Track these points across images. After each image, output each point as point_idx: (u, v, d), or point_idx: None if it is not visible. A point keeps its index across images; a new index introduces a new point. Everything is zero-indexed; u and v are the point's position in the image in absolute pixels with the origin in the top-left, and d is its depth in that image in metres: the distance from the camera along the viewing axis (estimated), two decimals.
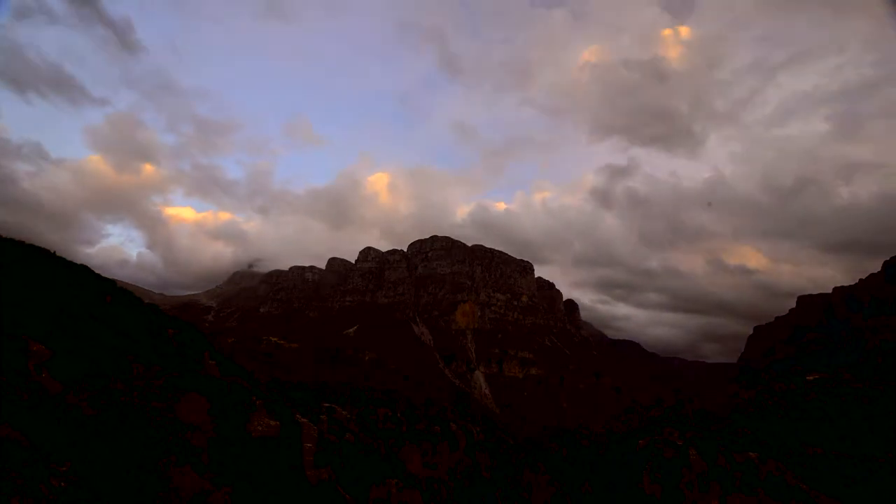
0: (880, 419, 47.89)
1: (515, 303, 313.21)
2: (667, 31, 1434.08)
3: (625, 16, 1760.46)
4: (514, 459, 59.57)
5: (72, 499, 10.90)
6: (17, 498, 9.39)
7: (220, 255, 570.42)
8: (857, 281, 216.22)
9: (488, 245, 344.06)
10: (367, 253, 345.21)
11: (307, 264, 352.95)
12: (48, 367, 15.33)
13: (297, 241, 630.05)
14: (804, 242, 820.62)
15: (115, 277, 31.66)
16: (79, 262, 26.00)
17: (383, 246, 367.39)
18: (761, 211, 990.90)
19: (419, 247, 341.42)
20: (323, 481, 22.40)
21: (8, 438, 10.93)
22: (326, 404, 46.40)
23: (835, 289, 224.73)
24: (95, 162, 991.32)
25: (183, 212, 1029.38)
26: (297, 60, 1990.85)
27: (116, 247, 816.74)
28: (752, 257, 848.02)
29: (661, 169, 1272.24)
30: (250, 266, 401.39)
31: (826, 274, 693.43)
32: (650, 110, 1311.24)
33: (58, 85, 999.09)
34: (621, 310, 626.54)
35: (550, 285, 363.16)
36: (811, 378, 61.88)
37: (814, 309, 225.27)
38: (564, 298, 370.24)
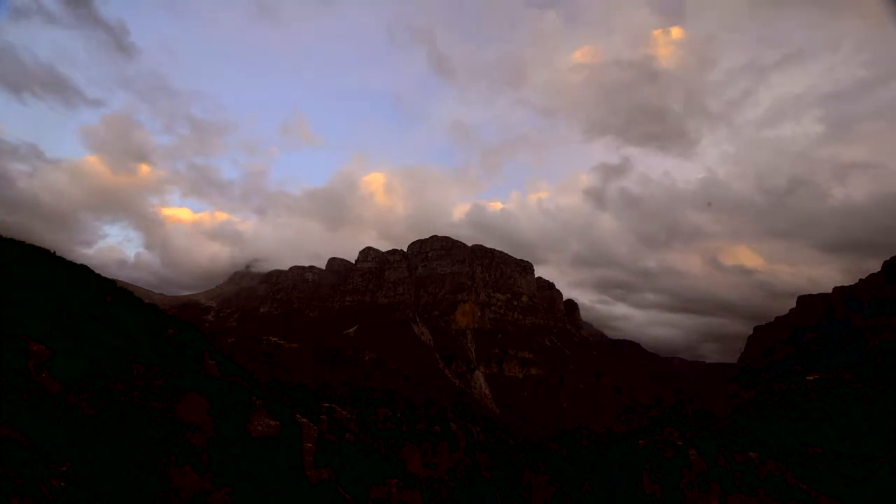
0: (880, 419, 47.91)
1: (515, 303, 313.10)
2: (657, 32, 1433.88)
3: (617, 16, 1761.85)
4: (514, 459, 59.58)
5: (72, 499, 10.90)
6: (17, 498, 9.39)
7: (217, 256, 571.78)
8: (856, 281, 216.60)
9: (486, 245, 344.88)
10: (367, 253, 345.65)
11: (306, 264, 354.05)
12: (48, 367, 15.33)
13: (293, 241, 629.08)
14: (800, 243, 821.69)
15: (115, 278, 31.66)
16: (78, 262, 26.05)
17: (380, 246, 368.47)
18: (756, 211, 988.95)
19: (419, 247, 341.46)
20: (323, 481, 22.40)
21: (8, 438, 10.93)
22: (326, 404, 46.48)
23: (835, 289, 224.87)
24: (92, 163, 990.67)
25: (180, 212, 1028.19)
26: (291, 61, 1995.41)
27: (114, 247, 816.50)
28: (748, 257, 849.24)
29: (655, 169, 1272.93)
30: (248, 266, 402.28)
31: (825, 274, 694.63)
32: (643, 110, 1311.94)
33: (53, 86, 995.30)
34: (620, 310, 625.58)
35: (550, 285, 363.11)
36: (811, 378, 61.90)
37: (814, 309, 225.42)
38: (564, 298, 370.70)
